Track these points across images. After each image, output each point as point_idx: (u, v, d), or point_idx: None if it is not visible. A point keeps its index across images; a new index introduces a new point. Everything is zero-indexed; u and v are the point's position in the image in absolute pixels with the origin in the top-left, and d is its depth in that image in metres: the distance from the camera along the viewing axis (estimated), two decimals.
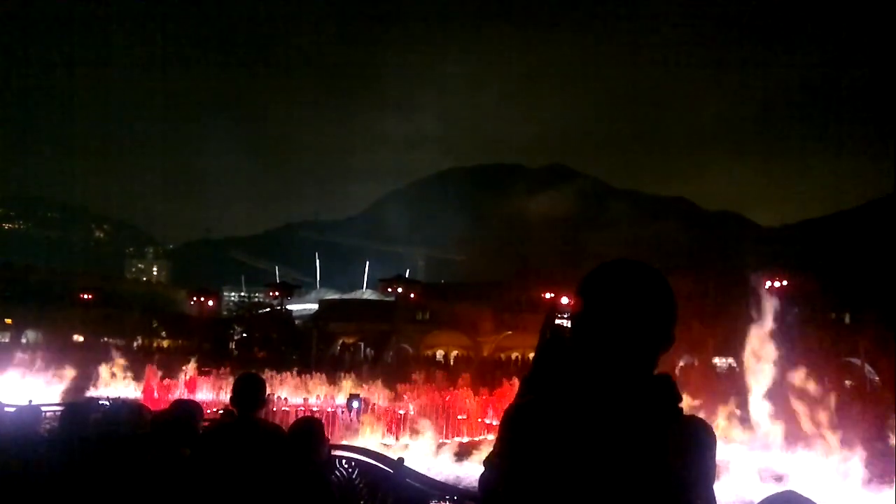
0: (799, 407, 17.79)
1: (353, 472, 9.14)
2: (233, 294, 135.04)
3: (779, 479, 16.04)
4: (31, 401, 15.94)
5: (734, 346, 21.79)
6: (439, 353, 71.05)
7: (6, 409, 9.45)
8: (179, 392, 27.47)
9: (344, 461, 9.28)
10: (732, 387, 21.07)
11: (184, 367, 31.29)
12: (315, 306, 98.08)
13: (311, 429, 4.96)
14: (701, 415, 1.95)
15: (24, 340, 62.37)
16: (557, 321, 2.15)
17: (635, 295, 1.88)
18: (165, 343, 72.86)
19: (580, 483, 1.77)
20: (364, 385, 29.53)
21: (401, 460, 9.27)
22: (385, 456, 10.07)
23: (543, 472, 1.79)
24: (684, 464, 1.82)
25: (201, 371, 32.13)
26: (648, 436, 1.79)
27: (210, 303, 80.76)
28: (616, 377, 1.85)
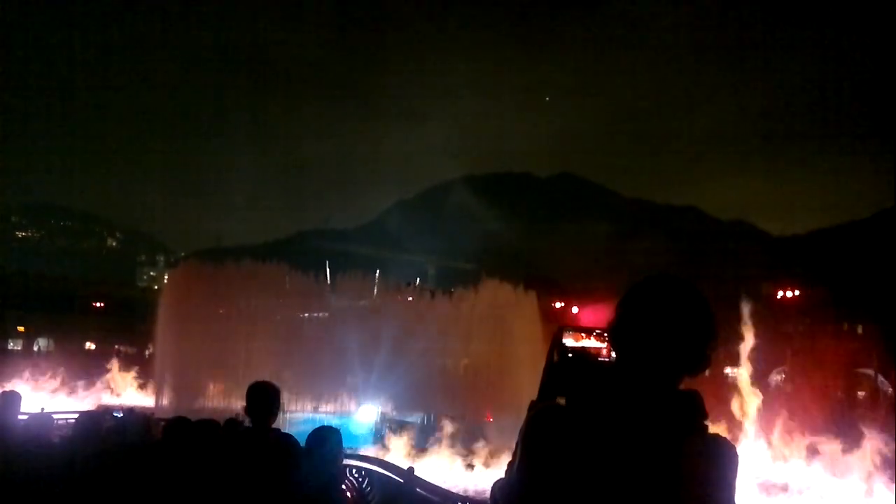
0: (808, 416, 17.69)
1: (363, 481, 9.16)
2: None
3: (784, 489, 15.97)
4: (42, 408, 16.06)
5: (745, 356, 21.71)
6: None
7: (18, 416, 9.51)
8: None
9: (355, 470, 9.31)
10: (742, 397, 20.99)
11: None
12: (326, 314, 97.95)
13: (328, 438, 4.99)
14: (711, 426, 1.96)
15: (35, 348, 62.53)
16: (565, 341, 2.15)
17: (672, 311, 1.91)
18: None
19: (596, 493, 1.78)
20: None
21: (411, 470, 9.26)
22: (396, 465, 10.07)
23: (560, 481, 1.81)
24: (705, 480, 1.83)
25: None
26: (669, 449, 1.81)
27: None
28: (644, 390, 1.87)
